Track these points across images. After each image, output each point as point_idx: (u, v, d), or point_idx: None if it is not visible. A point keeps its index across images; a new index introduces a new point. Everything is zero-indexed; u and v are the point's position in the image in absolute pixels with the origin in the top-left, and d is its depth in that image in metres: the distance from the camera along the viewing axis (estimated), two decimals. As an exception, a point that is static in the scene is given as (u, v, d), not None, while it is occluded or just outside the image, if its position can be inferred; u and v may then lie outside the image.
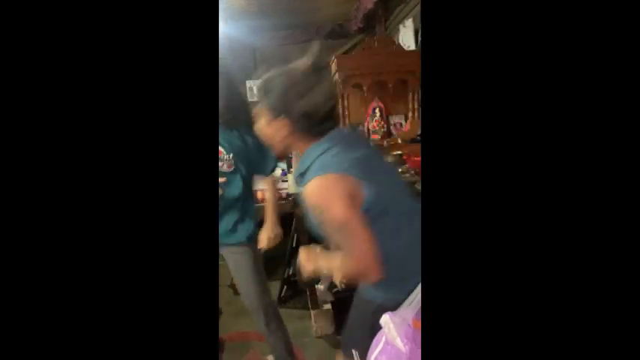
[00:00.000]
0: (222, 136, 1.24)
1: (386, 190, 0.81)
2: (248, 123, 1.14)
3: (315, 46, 0.86)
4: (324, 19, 3.18)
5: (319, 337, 1.75)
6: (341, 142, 0.81)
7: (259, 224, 1.41)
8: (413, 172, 2.18)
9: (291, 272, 2.22)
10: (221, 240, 1.31)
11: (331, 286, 1.70)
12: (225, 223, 1.33)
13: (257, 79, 3.15)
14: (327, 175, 0.76)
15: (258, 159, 1.31)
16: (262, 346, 1.73)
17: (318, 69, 0.85)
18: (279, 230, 1.39)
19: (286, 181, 2.51)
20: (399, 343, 0.71)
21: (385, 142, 2.59)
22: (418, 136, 2.49)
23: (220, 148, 1.26)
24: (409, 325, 0.72)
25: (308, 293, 1.89)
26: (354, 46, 3.44)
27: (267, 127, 0.85)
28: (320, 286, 1.88)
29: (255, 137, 1.16)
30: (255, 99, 2.89)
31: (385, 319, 0.73)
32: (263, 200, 2.47)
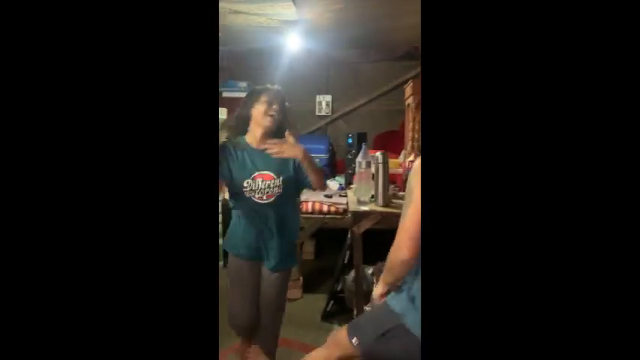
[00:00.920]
0: (268, 161, 1.24)
1: None
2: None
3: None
4: (400, 40, 3.19)
5: None
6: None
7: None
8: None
9: (339, 288, 2.21)
10: (280, 265, 1.33)
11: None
12: (284, 248, 1.32)
13: (327, 94, 3.22)
14: None
15: (301, 176, 1.29)
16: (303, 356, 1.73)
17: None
18: None
19: (344, 195, 2.53)
20: None
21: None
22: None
23: (270, 173, 1.26)
24: None
25: (355, 311, 1.86)
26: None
27: None
28: (368, 308, 1.85)
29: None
30: (324, 113, 2.95)
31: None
32: (307, 211, 2.53)
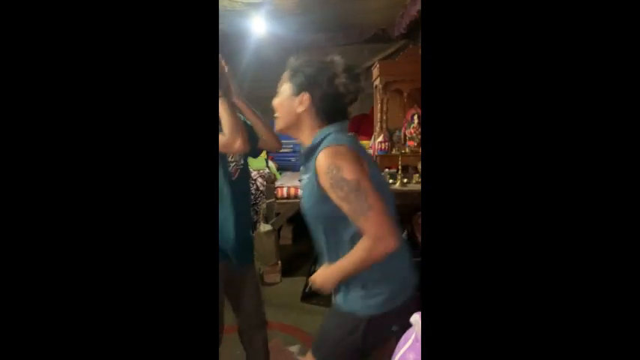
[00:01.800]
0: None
1: (378, 183, 0.86)
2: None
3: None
4: (367, 23, 3.20)
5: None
6: (347, 130, 0.91)
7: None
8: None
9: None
10: (241, 259, 1.18)
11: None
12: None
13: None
14: (341, 144, 0.83)
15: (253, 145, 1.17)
16: (285, 336, 1.78)
17: (352, 71, 0.92)
18: None
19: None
20: None
21: (421, 150, 2.57)
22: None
23: None
24: None
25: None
26: (396, 52, 3.44)
27: (287, 100, 0.90)
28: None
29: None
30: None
31: (415, 318, 0.74)
32: (282, 197, 2.54)
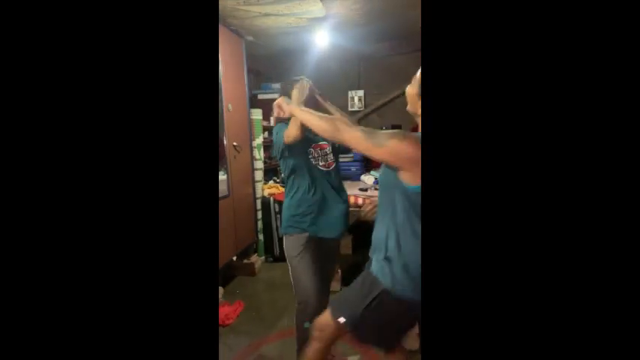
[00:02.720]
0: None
1: None
2: None
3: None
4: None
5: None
6: None
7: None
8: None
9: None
10: (344, 231, 1.49)
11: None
12: (346, 213, 1.50)
13: (360, 89, 3.20)
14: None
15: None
16: (343, 345, 1.76)
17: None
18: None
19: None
20: None
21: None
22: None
23: (324, 142, 1.45)
24: None
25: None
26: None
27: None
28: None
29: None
30: (356, 108, 2.98)
31: None
32: (356, 205, 2.54)
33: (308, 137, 1.38)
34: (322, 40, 2.67)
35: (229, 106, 2.36)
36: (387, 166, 0.96)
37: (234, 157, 2.45)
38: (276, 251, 2.88)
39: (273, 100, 1.44)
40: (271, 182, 3.07)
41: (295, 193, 1.43)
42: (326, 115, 1.11)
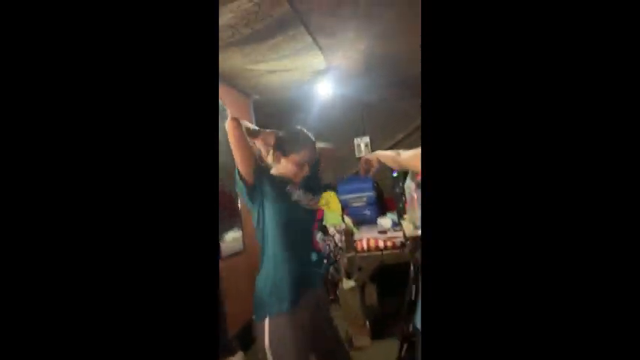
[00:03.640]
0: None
1: None
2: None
3: None
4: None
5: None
6: None
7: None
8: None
9: (411, 330, 2.02)
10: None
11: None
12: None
13: (364, 135, 3.27)
14: None
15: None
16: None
17: None
18: None
19: (399, 230, 2.44)
20: None
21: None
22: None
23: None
24: None
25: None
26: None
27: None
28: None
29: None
30: (363, 154, 3.05)
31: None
32: (363, 250, 2.42)
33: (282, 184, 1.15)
34: (325, 91, 2.78)
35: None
36: None
37: (249, 212, 2.42)
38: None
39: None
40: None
41: (279, 258, 1.12)
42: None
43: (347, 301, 2.19)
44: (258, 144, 1.23)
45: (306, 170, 1.19)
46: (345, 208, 3.22)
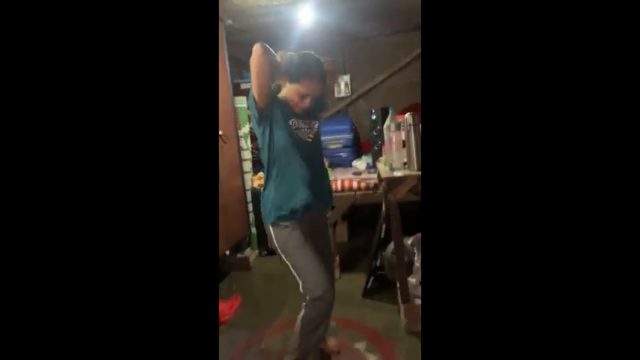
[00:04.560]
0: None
1: None
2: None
3: None
4: (415, 9, 3.05)
5: (410, 333, 1.64)
6: None
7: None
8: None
9: (378, 264, 2.15)
10: (332, 201, 1.46)
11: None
12: (329, 184, 1.43)
13: (345, 74, 3.12)
14: None
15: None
16: (349, 332, 1.70)
17: None
18: None
19: (373, 172, 2.46)
20: None
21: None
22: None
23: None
24: None
25: (398, 286, 1.79)
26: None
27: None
28: (412, 280, 1.77)
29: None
30: (343, 94, 2.92)
31: None
32: (336, 190, 2.46)
33: (286, 110, 1.23)
34: (306, 18, 2.56)
35: (212, 92, 2.24)
36: None
37: (221, 148, 2.34)
38: (271, 244, 2.79)
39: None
40: (261, 173, 2.96)
41: (282, 178, 1.26)
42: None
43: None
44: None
45: (307, 102, 1.23)
46: (323, 149, 3.18)
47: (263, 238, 2.80)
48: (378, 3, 2.59)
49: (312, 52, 1.24)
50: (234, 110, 2.62)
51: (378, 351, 1.56)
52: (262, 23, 2.71)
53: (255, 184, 2.83)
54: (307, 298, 1.25)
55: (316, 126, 1.33)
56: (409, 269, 1.84)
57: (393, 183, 1.62)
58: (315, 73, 1.20)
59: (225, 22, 2.46)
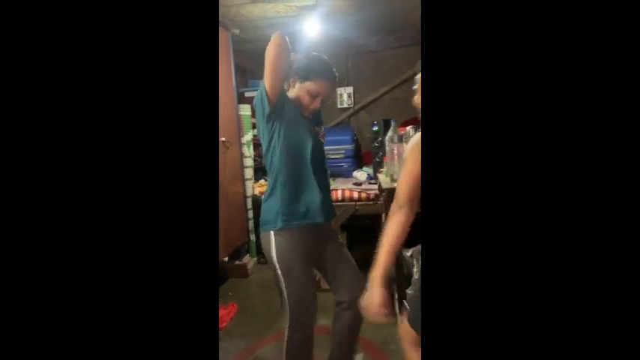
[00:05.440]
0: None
1: None
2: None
3: None
4: (419, 23, 3.10)
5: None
6: None
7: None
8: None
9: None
10: (328, 214, 1.24)
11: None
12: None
13: (349, 85, 3.15)
14: None
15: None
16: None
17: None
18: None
19: (374, 184, 2.47)
20: None
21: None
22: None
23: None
24: None
25: (396, 296, 1.78)
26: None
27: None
28: (410, 292, 1.76)
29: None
30: (346, 105, 2.92)
31: None
32: (337, 199, 2.45)
33: (296, 110, 1.17)
34: (312, 30, 2.61)
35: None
36: None
37: (223, 154, 2.35)
38: (266, 252, 2.78)
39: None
40: (262, 180, 2.97)
41: (292, 181, 1.16)
42: None
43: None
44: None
45: (317, 102, 1.17)
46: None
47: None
48: (385, 17, 2.64)
49: (323, 55, 1.22)
50: (238, 118, 2.64)
51: (374, 363, 1.54)
52: (268, 34, 2.75)
53: (256, 191, 2.83)
54: (287, 317, 1.19)
55: (323, 130, 1.29)
56: (408, 281, 1.83)
57: (392, 194, 1.62)
58: (327, 72, 1.17)
59: (232, 32, 2.50)
